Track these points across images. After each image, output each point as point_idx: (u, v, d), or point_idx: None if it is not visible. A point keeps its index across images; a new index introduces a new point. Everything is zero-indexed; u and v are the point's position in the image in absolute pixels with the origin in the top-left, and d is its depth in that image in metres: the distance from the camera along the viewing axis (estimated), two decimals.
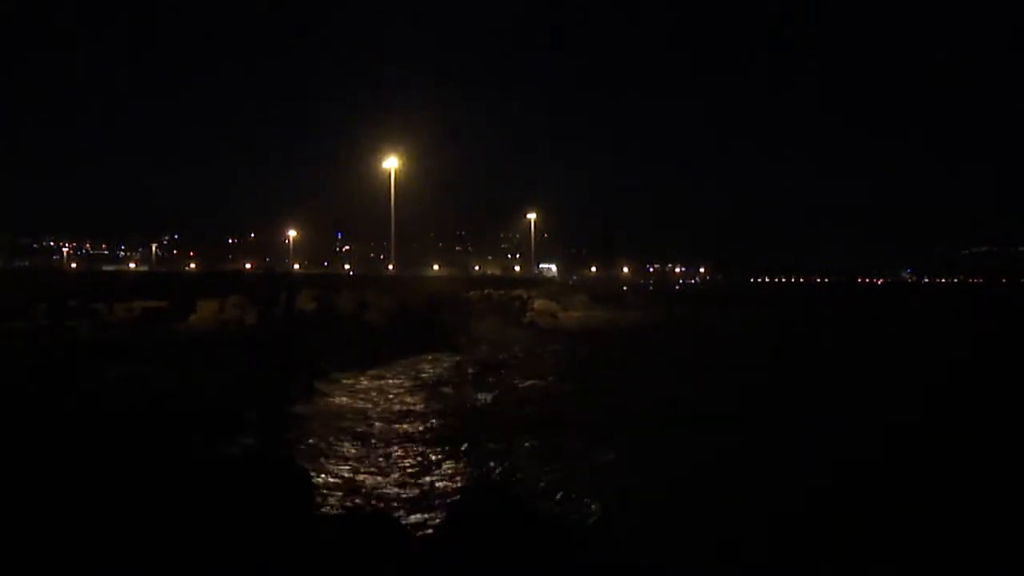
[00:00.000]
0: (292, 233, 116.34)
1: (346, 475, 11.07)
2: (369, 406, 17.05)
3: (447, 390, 19.88)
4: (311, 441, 12.98)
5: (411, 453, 12.62)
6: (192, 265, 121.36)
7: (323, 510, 8.68)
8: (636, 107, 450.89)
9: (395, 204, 58.84)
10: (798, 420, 15.79)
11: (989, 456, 12.85)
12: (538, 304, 58.75)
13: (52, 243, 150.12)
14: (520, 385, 21.00)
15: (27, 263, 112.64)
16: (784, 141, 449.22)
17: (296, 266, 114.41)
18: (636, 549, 8.13)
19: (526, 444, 13.38)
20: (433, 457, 12.33)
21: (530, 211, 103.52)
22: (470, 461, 12.17)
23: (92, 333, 20.66)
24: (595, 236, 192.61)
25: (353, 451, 12.65)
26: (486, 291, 61.30)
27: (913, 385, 21.77)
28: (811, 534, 8.70)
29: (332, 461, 11.84)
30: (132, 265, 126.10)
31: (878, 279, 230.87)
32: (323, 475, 10.81)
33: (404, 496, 10.09)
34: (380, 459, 12.15)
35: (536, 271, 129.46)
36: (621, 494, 10.05)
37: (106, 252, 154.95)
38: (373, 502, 9.78)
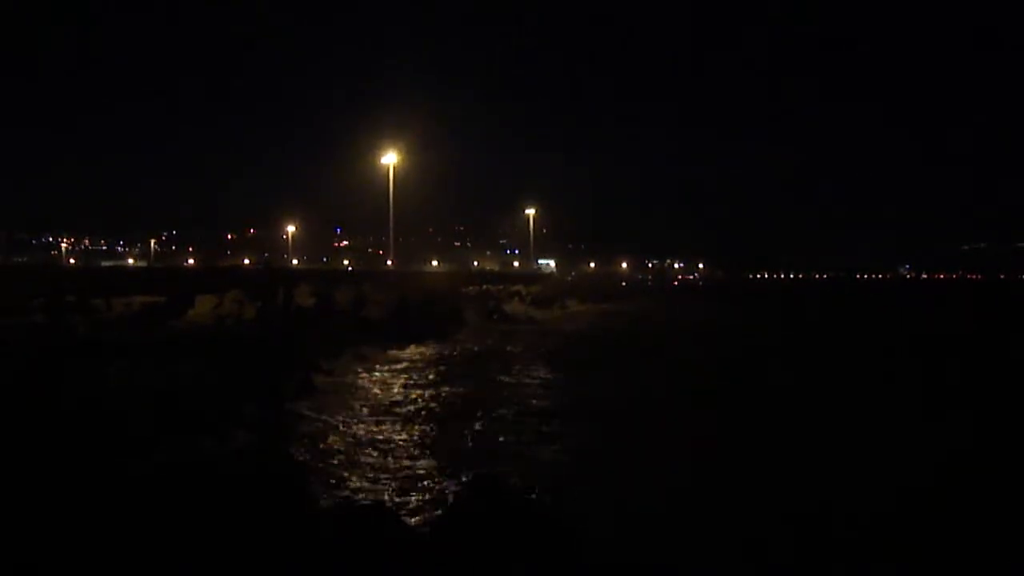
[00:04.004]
0: (291, 229, 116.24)
1: (343, 472, 11.08)
2: (365, 401, 17.07)
3: (439, 383, 19.89)
4: (307, 436, 13.00)
5: (405, 447, 12.64)
6: (191, 261, 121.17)
7: (319, 506, 8.67)
8: (636, 103, 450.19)
9: (394, 200, 58.78)
10: None
11: None
12: (533, 299, 58.90)
13: (50, 239, 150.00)
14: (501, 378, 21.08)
15: (25, 259, 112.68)
16: (783, 137, 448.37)
17: (295, 262, 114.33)
18: None
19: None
20: (425, 450, 12.37)
21: (529, 207, 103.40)
22: (454, 461, 12.20)
23: (90, 329, 20.68)
24: (594, 232, 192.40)
25: (348, 447, 12.66)
26: (484, 287, 61.36)
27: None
28: None
29: (329, 457, 11.86)
30: (131, 261, 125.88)
31: (877, 275, 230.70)
32: (320, 471, 10.83)
33: (398, 492, 10.10)
34: (376, 455, 12.16)
35: (535, 267, 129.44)
36: None
37: (105, 248, 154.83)
38: (369, 496, 9.78)
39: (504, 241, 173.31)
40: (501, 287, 64.50)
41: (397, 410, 16.11)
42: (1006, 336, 39.02)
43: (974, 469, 11.61)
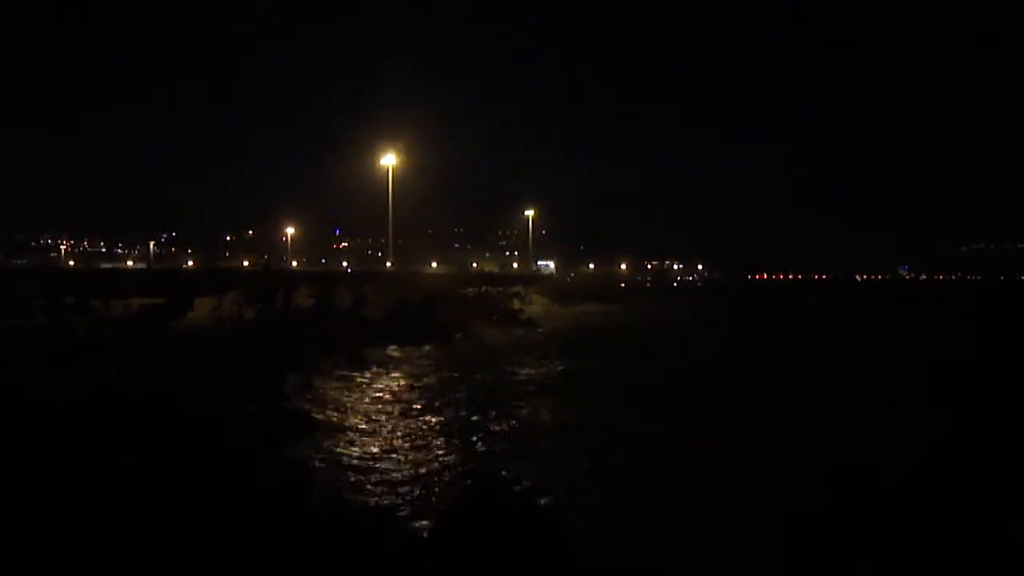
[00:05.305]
0: (290, 230, 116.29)
1: (343, 472, 11.09)
2: (364, 402, 17.08)
3: (438, 384, 19.91)
4: (307, 437, 12.99)
5: (405, 447, 12.66)
6: (190, 262, 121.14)
7: (319, 507, 8.69)
8: (636, 103, 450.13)
9: (393, 201, 58.84)
10: None
11: None
12: (534, 299, 59.02)
13: (50, 240, 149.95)
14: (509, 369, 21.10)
15: (24, 261, 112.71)
16: (783, 137, 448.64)
17: (294, 263, 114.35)
18: None
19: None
20: (424, 451, 12.40)
21: (528, 207, 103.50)
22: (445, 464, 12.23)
23: (89, 330, 20.70)
24: (593, 232, 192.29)
25: (348, 447, 12.67)
26: (483, 288, 61.46)
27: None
28: None
29: (329, 458, 11.87)
30: (130, 263, 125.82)
31: (876, 275, 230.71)
32: (320, 472, 10.84)
33: (397, 493, 10.13)
34: (375, 455, 12.18)
35: (534, 268, 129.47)
36: None
37: (104, 249, 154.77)
38: (369, 497, 9.82)
39: (504, 243, 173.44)
40: (500, 288, 64.61)
41: (396, 411, 16.12)
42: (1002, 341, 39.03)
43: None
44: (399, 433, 13.91)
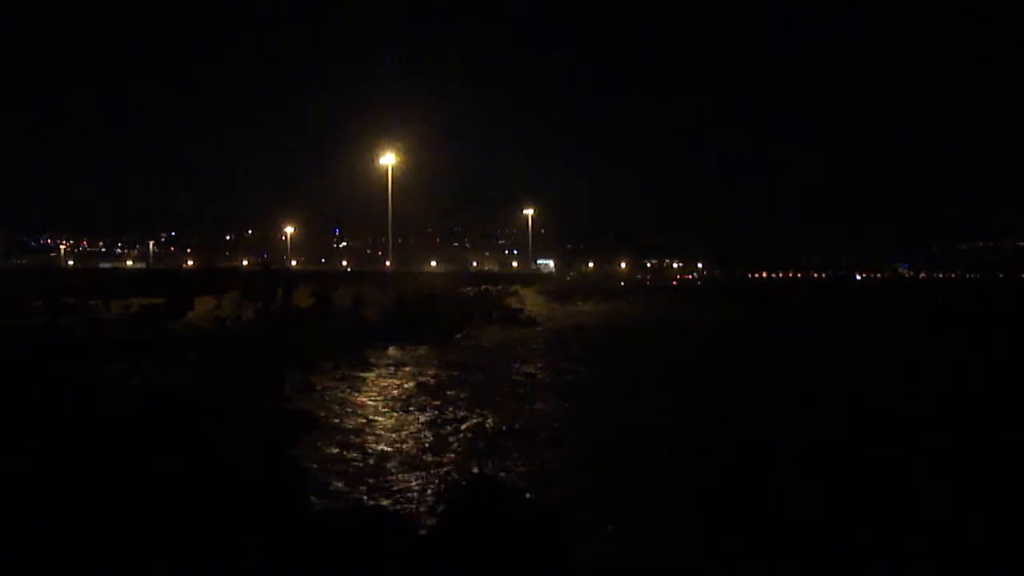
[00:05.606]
0: (290, 230, 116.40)
1: (342, 472, 11.08)
2: (364, 402, 17.06)
3: (438, 384, 19.88)
4: (306, 437, 12.99)
5: (404, 447, 12.66)
6: (189, 262, 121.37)
7: (318, 506, 8.69)
8: (635, 103, 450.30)
9: (393, 200, 58.84)
10: None
11: None
12: (533, 298, 59.06)
13: (49, 241, 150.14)
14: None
15: (24, 261, 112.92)
16: (783, 137, 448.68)
17: (294, 263, 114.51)
18: None
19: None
20: (424, 451, 12.40)
21: (528, 207, 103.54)
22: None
23: (88, 330, 20.70)
24: (593, 232, 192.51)
25: (347, 447, 12.66)
26: (483, 287, 61.50)
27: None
28: None
29: (328, 458, 11.86)
30: (129, 263, 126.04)
31: (876, 274, 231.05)
32: (319, 472, 10.83)
33: (396, 492, 10.12)
34: (374, 455, 12.18)
35: (534, 267, 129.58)
36: None
37: (103, 249, 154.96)
38: (367, 496, 9.81)
39: (503, 242, 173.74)
40: (500, 287, 64.62)
41: (395, 411, 16.11)
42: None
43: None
44: (399, 432, 13.90)
